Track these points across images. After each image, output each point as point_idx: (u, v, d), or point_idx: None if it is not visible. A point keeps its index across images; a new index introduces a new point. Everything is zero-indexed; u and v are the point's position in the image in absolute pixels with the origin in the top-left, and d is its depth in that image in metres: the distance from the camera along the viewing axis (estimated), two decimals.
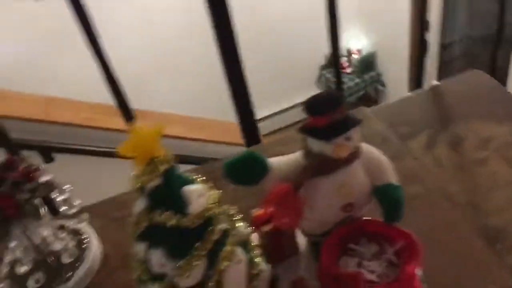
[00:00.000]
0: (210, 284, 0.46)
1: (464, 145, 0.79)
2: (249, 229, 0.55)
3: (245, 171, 0.50)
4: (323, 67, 3.36)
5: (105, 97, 1.00)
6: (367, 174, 0.52)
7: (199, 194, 0.44)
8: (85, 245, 0.71)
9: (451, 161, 0.77)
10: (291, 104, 3.29)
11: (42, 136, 1.84)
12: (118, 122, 1.00)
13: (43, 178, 0.65)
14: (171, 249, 0.44)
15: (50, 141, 1.84)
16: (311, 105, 0.49)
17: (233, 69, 0.95)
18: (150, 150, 0.41)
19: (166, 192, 0.43)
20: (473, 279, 0.60)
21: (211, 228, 0.45)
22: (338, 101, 0.48)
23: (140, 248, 0.47)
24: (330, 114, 0.48)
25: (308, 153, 0.51)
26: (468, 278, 0.60)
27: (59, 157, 1.93)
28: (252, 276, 0.50)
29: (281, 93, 3.26)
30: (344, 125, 0.48)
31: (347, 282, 0.51)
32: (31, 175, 0.62)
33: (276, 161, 0.51)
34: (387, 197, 0.52)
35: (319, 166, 0.50)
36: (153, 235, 0.44)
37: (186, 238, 0.44)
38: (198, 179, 0.46)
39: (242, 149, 0.59)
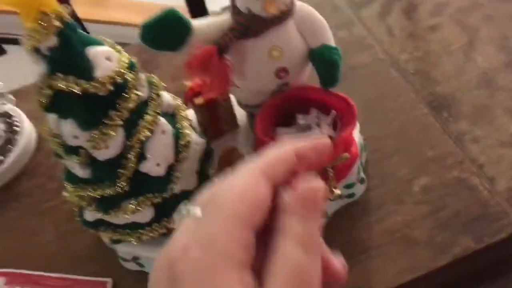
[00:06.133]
0: (129, 155, 0.43)
1: (418, 12, 0.75)
2: (178, 100, 0.51)
3: (164, 32, 0.44)
4: None
5: None
6: (302, 35, 0.48)
7: (106, 56, 0.39)
8: (16, 128, 0.67)
9: (403, 29, 0.73)
10: None
11: None
12: None
13: None
14: (82, 119, 0.41)
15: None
16: None
17: None
18: (36, 1, 0.35)
19: (66, 54, 0.38)
20: (414, 146, 0.59)
21: (125, 95, 0.41)
22: None
23: (51, 120, 0.43)
24: None
25: (235, 12, 0.46)
26: (409, 144, 0.59)
27: (11, 49, 1.81)
28: (180, 147, 0.47)
29: None
30: None
31: None
32: None
33: (199, 23, 0.46)
34: (321, 59, 0.48)
35: (246, 26, 0.45)
36: (61, 104, 0.40)
37: (98, 107, 0.40)
38: (105, 41, 0.41)
39: None
